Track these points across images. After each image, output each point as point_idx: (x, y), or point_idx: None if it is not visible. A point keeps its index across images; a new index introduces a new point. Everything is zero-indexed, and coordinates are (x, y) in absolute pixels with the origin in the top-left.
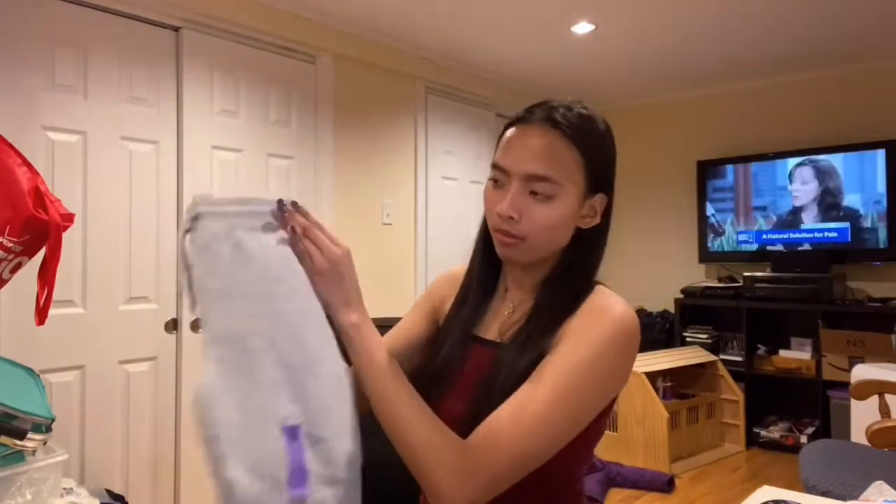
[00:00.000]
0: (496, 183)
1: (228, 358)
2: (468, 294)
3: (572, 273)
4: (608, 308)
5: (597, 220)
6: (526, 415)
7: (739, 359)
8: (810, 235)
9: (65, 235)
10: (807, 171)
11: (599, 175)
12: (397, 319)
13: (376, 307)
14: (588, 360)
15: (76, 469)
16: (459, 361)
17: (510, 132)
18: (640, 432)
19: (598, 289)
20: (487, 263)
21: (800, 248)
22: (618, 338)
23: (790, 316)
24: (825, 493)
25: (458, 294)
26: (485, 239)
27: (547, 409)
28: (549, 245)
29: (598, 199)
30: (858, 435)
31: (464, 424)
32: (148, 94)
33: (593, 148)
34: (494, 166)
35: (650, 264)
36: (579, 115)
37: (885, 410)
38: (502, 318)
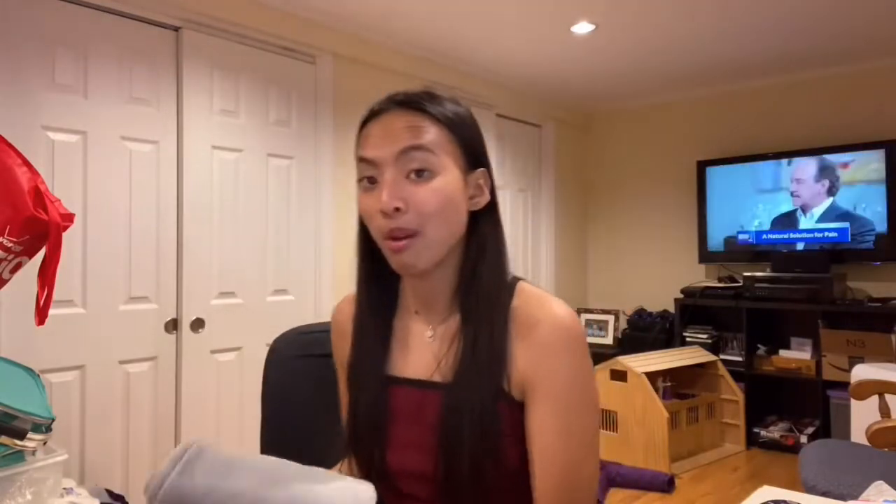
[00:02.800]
0: (368, 185)
1: None
2: (364, 329)
3: (486, 274)
4: (557, 322)
5: (487, 198)
6: (580, 481)
7: (739, 359)
8: (810, 235)
9: (65, 235)
10: (807, 171)
11: (473, 149)
12: None
13: None
14: (585, 397)
15: (76, 469)
16: (385, 408)
17: (367, 126)
18: (640, 432)
19: (521, 288)
20: (378, 287)
21: (800, 248)
22: (585, 351)
23: (790, 316)
24: (825, 493)
25: (354, 331)
26: (369, 259)
27: (590, 468)
28: (447, 233)
29: (481, 175)
30: (858, 435)
31: (433, 482)
32: (148, 94)
33: (458, 122)
34: (361, 161)
35: (650, 264)
36: (434, 95)
37: (885, 410)
38: (424, 350)
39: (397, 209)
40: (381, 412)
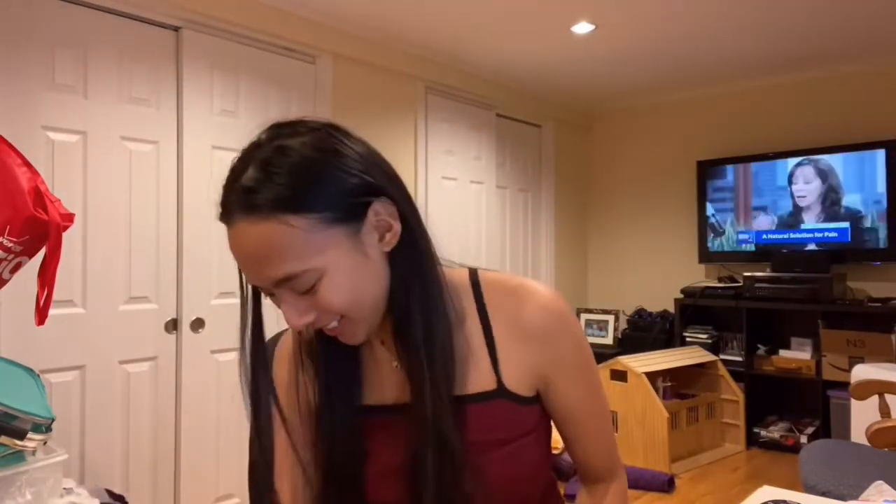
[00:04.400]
0: (269, 295)
1: None
2: (331, 359)
3: (416, 309)
4: (544, 313)
5: (397, 229)
6: (603, 432)
7: (739, 359)
8: (810, 235)
9: (65, 235)
10: (807, 171)
11: (352, 197)
12: None
13: None
14: (588, 355)
15: (76, 469)
16: (361, 438)
17: (229, 235)
18: (640, 432)
19: (486, 282)
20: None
21: (800, 249)
22: (571, 317)
23: (790, 316)
24: (825, 493)
25: (320, 363)
26: None
27: (606, 420)
28: (370, 300)
29: (379, 209)
30: (858, 435)
31: None
32: (148, 94)
33: (312, 186)
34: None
35: (650, 264)
36: (261, 169)
37: (885, 410)
38: (392, 376)
39: (309, 323)
40: (358, 443)
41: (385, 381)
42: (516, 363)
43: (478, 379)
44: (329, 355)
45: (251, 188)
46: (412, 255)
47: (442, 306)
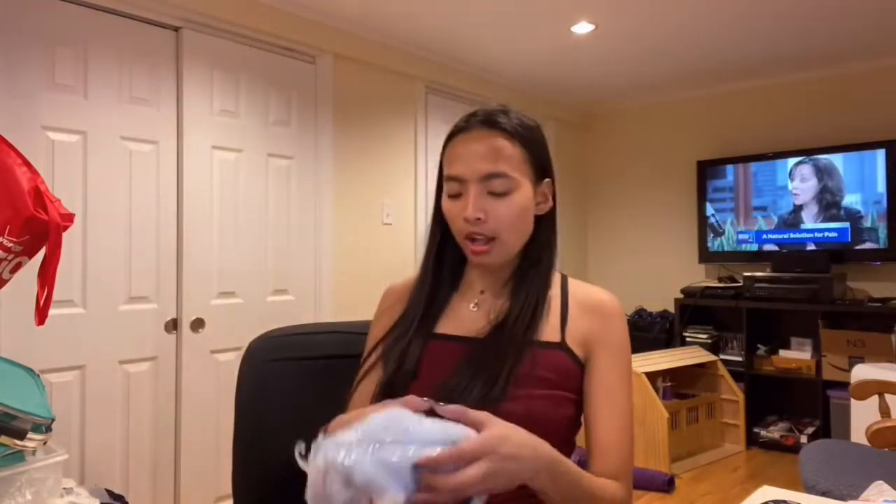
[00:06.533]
0: (453, 195)
1: None
2: (419, 295)
3: (544, 263)
4: (610, 300)
5: (550, 204)
6: (627, 424)
7: (739, 359)
8: (810, 235)
9: (65, 235)
10: (807, 171)
11: (542, 163)
12: None
13: (375, 307)
14: (629, 358)
15: (76, 469)
16: (419, 357)
17: (454, 143)
18: (640, 432)
19: (571, 279)
20: (442, 267)
21: (800, 248)
22: (626, 323)
23: (790, 316)
24: (825, 493)
25: (411, 296)
26: (439, 247)
27: (630, 417)
28: (519, 237)
29: (546, 185)
30: (858, 435)
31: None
32: (148, 94)
33: (531, 140)
34: (449, 178)
35: (650, 264)
36: (510, 115)
37: (885, 410)
38: (465, 315)
39: (479, 218)
40: (413, 360)
41: (458, 317)
42: (575, 328)
43: (549, 332)
44: (423, 291)
45: (497, 115)
46: (548, 230)
47: (547, 275)
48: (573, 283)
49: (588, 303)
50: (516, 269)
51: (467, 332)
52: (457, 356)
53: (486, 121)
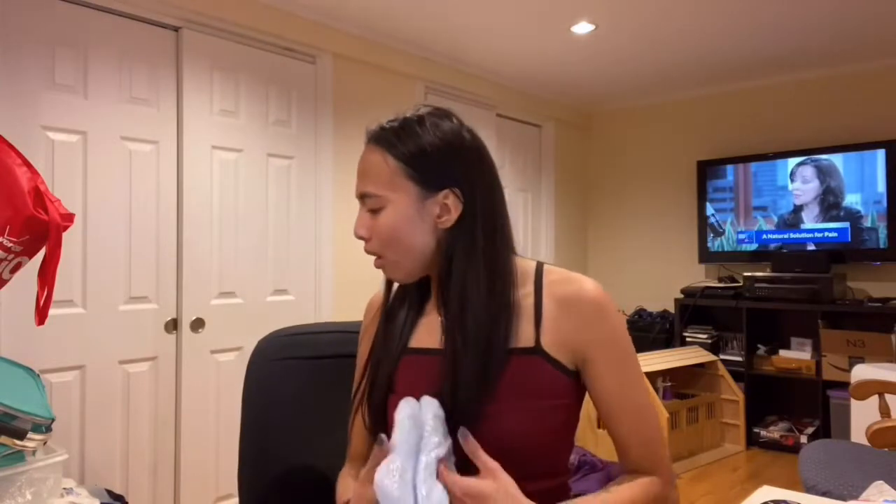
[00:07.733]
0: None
1: None
2: (392, 312)
3: (456, 275)
4: (588, 295)
5: (454, 216)
6: (643, 417)
7: (739, 359)
8: (810, 235)
9: (65, 235)
10: (807, 171)
11: (432, 174)
12: None
13: None
14: (628, 347)
15: (76, 469)
16: (394, 372)
17: None
18: None
19: (548, 270)
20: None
21: (800, 249)
22: (615, 311)
23: (790, 316)
24: (825, 493)
25: (382, 316)
26: None
27: (653, 407)
28: (405, 253)
29: (447, 196)
30: (858, 435)
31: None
32: (148, 94)
33: (420, 156)
34: None
35: (650, 264)
36: (401, 123)
37: (885, 410)
38: (437, 328)
39: (362, 237)
40: (391, 376)
41: (430, 329)
42: (554, 329)
43: (521, 337)
44: (395, 307)
45: (380, 128)
46: (465, 239)
47: (483, 281)
48: (550, 275)
49: (566, 300)
50: (441, 281)
51: (440, 344)
52: (428, 369)
53: (370, 136)
